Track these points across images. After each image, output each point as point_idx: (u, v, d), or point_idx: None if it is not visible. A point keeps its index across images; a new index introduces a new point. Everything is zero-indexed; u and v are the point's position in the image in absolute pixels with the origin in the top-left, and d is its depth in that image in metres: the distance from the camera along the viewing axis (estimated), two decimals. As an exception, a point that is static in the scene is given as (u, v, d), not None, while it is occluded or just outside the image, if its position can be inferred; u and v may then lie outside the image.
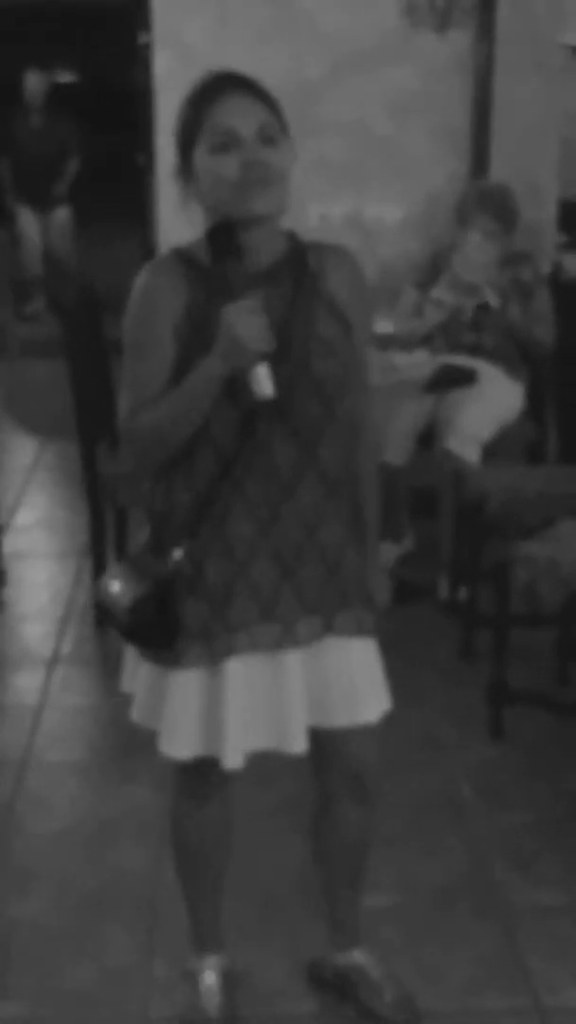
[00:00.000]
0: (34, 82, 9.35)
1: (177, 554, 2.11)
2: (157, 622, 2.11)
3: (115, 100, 13.56)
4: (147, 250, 7.67)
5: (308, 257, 2.14)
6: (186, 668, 2.15)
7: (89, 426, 4.29)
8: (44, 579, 4.82)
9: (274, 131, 2.03)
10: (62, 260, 9.03)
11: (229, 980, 2.50)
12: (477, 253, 4.52)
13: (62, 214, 9.54)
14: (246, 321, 1.95)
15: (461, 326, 4.54)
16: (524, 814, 3.22)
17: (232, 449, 2.07)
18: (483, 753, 3.52)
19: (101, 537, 4.31)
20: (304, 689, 2.18)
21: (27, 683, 3.97)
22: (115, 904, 2.87)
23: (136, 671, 2.25)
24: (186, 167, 2.07)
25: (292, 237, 2.15)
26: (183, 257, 2.11)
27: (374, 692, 2.27)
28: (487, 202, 4.55)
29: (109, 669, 4.06)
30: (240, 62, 5.07)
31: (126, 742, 3.56)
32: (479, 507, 4.01)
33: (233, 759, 2.17)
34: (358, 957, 2.54)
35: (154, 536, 2.18)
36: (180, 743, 2.19)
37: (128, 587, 2.12)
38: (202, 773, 2.29)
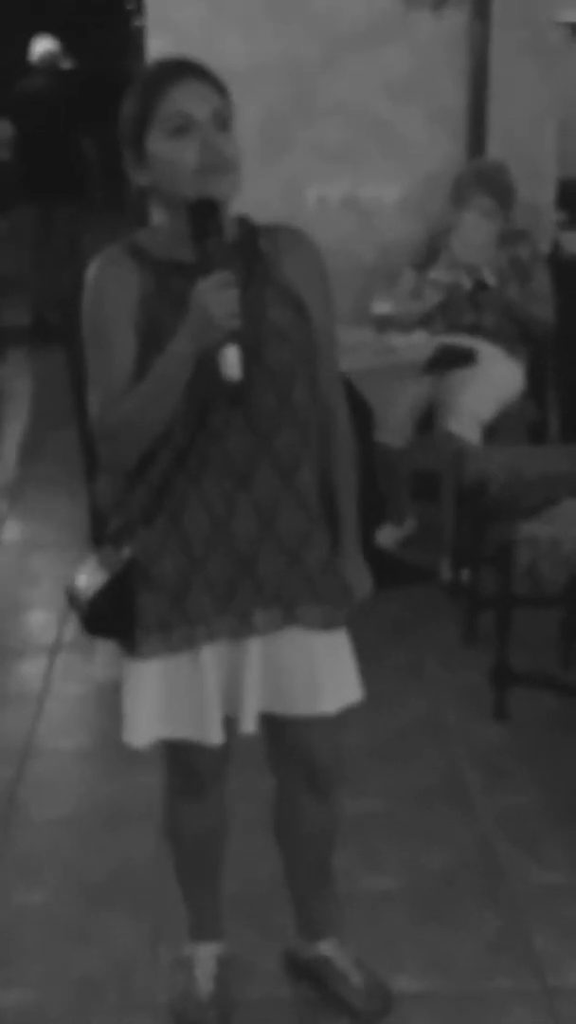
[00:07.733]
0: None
1: (127, 550, 2.09)
2: (113, 615, 2.10)
3: (111, 87, 13.52)
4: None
5: (260, 241, 2.09)
6: (144, 659, 2.12)
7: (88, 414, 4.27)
8: (45, 568, 4.81)
9: (227, 116, 2.01)
10: None
11: (224, 968, 2.49)
12: (474, 232, 4.51)
13: None
14: (219, 297, 1.89)
15: (460, 306, 4.53)
16: (529, 796, 3.21)
17: (186, 440, 2.03)
18: (487, 735, 3.51)
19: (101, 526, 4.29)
20: (260, 675, 2.15)
21: (30, 671, 3.97)
22: (120, 891, 2.87)
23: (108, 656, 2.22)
24: (137, 155, 2.03)
25: (243, 222, 2.11)
26: (133, 249, 2.07)
27: (337, 684, 2.20)
28: (482, 179, 4.54)
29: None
30: (234, 46, 5.10)
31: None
32: (481, 488, 4.00)
33: (215, 735, 2.15)
34: (323, 948, 2.51)
35: (113, 530, 2.15)
36: (138, 731, 2.17)
37: (92, 580, 2.12)
38: (189, 769, 2.28)
